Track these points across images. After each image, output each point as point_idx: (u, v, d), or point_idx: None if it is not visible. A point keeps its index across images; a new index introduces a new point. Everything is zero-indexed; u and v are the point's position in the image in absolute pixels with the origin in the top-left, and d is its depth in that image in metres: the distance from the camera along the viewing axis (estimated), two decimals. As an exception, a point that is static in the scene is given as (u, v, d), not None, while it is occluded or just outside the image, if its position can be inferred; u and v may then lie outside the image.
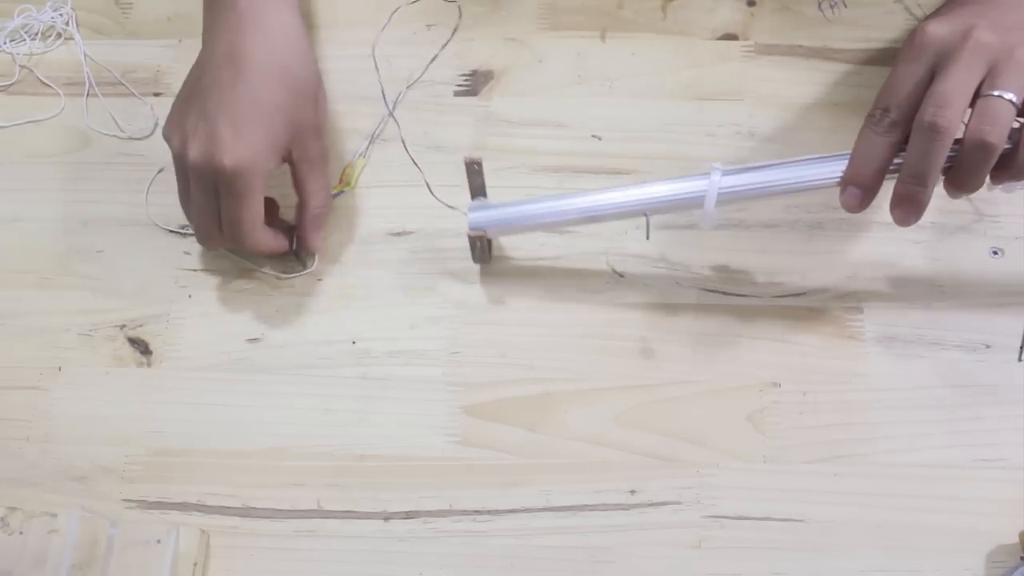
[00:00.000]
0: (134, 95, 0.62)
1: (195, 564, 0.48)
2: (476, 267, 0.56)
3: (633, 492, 0.51)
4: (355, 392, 0.53)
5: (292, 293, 0.56)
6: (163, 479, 0.52)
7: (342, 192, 0.58)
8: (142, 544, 0.47)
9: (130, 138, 0.61)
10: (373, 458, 0.52)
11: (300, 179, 0.54)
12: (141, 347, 0.55)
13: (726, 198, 0.49)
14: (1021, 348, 0.53)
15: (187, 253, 0.57)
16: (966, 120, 0.45)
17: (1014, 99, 0.44)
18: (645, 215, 0.50)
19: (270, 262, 0.56)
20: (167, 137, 0.52)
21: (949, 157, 0.45)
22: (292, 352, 0.54)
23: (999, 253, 0.55)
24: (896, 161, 0.47)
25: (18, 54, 0.63)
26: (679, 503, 0.50)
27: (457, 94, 0.61)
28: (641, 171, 0.58)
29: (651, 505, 0.50)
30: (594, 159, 0.59)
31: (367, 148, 0.59)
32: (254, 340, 0.55)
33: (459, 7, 0.63)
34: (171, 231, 0.58)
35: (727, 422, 0.52)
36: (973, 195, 0.49)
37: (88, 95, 0.62)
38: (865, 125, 0.47)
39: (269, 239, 0.53)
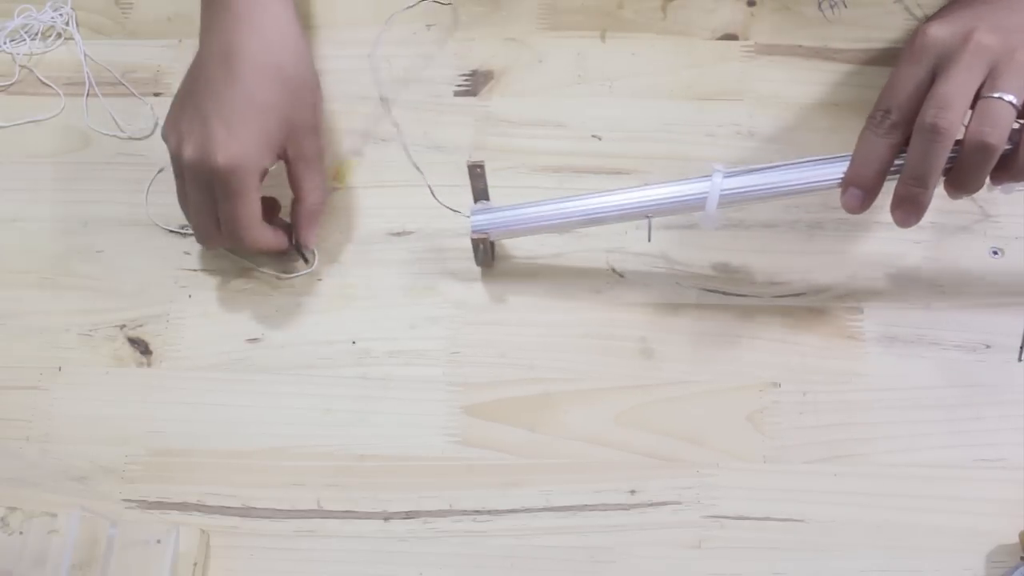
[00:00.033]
0: (134, 95, 0.62)
1: (195, 564, 0.48)
2: (476, 267, 0.56)
3: (633, 492, 0.51)
4: (355, 392, 0.53)
5: (292, 293, 0.56)
6: (163, 479, 0.52)
7: (335, 190, 0.58)
8: (142, 544, 0.47)
9: (130, 138, 0.61)
10: (373, 458, 0.52)
11: (296, 176, 0.54)
12: (141, 347, 0.55)
13: (727, 200, 0.49)
14: (1021, 348, 0.53)
15: (187, 253, 0.57)
16: (966, 121, 0.45)
17: (1014, 101, 0.44)
18: (647, 217, 0.50)
19: (271, 261, 0.56)
20: (165, 137, 0.52)
21: (949, 158, 0.45)
22: (292, 352, 0.54)
23: (999, 253, 0.55)
24: (897, 162, 0.47)
25: (18, 54, 0.63)
26: (679, 503, 0.50)
27: (457, 94, 0.61)
28: (641, 171, 0.58)
29: (651, 505, 0.50)
30: (594, 159, 0.59)
31: (359, 147, 0.59)
32: (254, 340, 0.55)
33: (455, 9, 0.63)
34: (171, 231, 0.58)
35: (727, 422, 0.52)
36: (974, 196, 0.49)
37: (88, 95, 0.62)
38: (866, 126, 0.47)
39: (268, 236, 0.53)
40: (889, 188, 0.48)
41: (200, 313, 0.56)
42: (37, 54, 0.64)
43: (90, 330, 0.55)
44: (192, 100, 0.51)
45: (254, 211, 0.51)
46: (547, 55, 0.62)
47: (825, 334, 0.54)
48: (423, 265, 0.56)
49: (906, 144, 0.46)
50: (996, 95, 0.44)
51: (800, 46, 0.62)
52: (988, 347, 0.53)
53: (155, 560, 0.47)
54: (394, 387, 0.53)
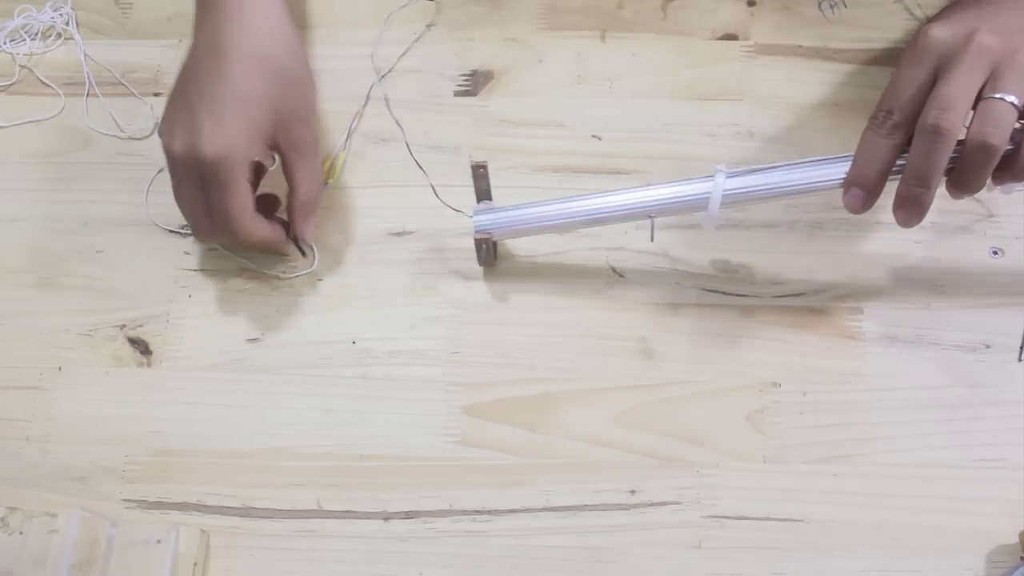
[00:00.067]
0: (134, 95, 0.62)
1: (195, 564, 0.48)
2: (476, 267, 0.56)
3: (633, 492, 0.51)
4: (355, 392, 0.53)
5: (292, 293, 0.56)
6: (163, 479, 0.52)
7: (326, 184, 0.58)
8: (142, 544, 0.47)
9: (130, 138, 0.61)
10: (373, 458, 0.52)
11: (288, 167, 0.53)
12: (141, 347, 0.55)
13: (730, 200, 0.49)
14: (1021, 348, 0.53)
15: (187, 253, 0.57)
16: (968, 122, 0.45)
17: (1016, 101, 0.44)
18: (650, 217, 0.50)
19: (271, 261, 0.56)
20: (160, 135, 0.52)
21: (951, 158, 0.45)
22: (292, 352, 0.54)
23: (999, 253, 0.55)
24: (899, 163, 0.47)
25: (18, 54, 0.63)
26: (679, 503, 0.50)
27: (457, 94, 0.61)
28: (641, 171, 0.58)
29: (651, 505, 0.50)
30: (594, 159, 0.59)
31: (346, 141, 0.59)
32: (254, 340, 0.55)
33: (455, 9, 0.63)
34: (171, 231, 0.58)
35: (727, 422, 0.52)
36: (976, 195, 0.49)
37: (88, 95, 0.62)
38: (868, 127, 0.48)
39: (262, 229, 0.53)
40: (890, 188, 0.48)
41: (200, 313, 0.56)
42: (37, 54, 0.64)
43: (90, 330, 0.55)
44: (183, 96, 0.51)
45: (244, 202, 0.51)
46: (547, 55, 0.62)
47: (825, 334, 0.54)
48: (423, 265, 0.56)
49: (908, 144, 0.46)
50: (998, 96, 0.44)
51: (800, 46, 0.62)
52: (988, 347, 0.53)
53: (155, 560, 0.47)
54: (394, 387, 0.53)
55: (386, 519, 0.51)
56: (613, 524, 0.50)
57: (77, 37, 0.64)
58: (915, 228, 0.49)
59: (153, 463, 0.52)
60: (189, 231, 0.57)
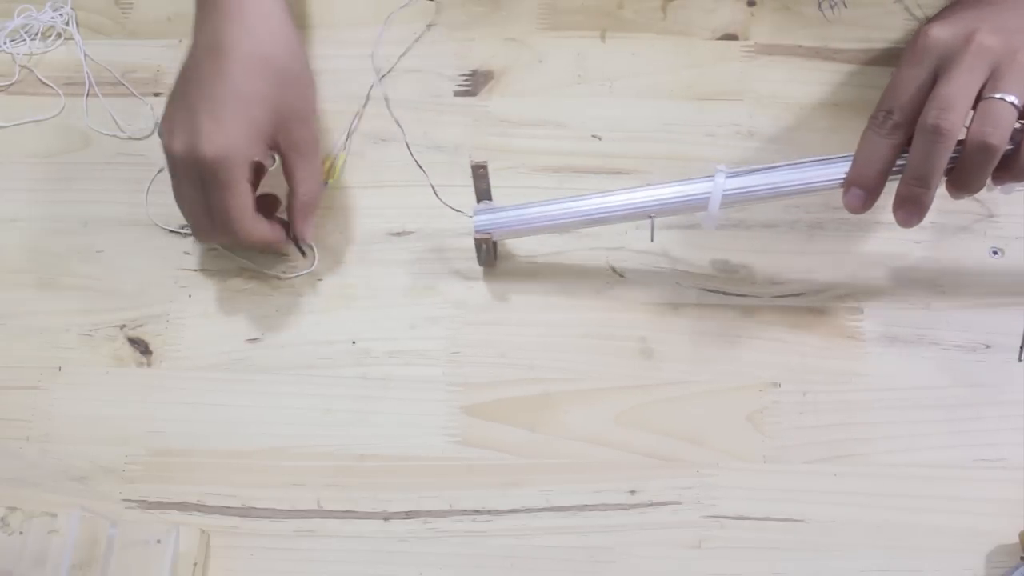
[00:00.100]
0: (134, 95, 0.62)
1: (195, 564, 0.48)
2: (476, 267, 0.56)
3: (633, 492, 0.51)
4: (355, 392, 0.53)
5: (292, 293, 0.56)
6: (163, 479, 0.52)
7: (327, 184, 0.58)
8: (142, 544, 0.47)
9: (130, 138, 0.61)
10: (373, 458, 0.52)
11: (288, 167, 0.53)
12: (141, 347, 0.55)
13: (730, 200, 0.49)
14: (1021, 348, 0.53)
15: (187, 253, 0.57)
16: (968, 122, 0.45)
17: (1016, 101, 0.44)
18: (650, 217, 0.50)
19: (271, 261, 0.56)
20: (159, 135, 0.52)
21: (951, 158, 0.45)
22: (292, 352, 0.54)
23: (999, 253, 0.55)
24: (899, 163, 0.47)
25: (18, 54, 0.63)
26: (679, 503, 0.50)
27: (457, 94, 0.61)
28: (641, 171, 0.58)
29: (651, 505, 0.50)
30: (594, 159, 0.59)
31: (346, 141, 0.59)
32: (254, 340, 0.55)
33: (454, 9, 0.63)
34: (171, 231, 0.58)
35: (727, 422, 0.52)
36: (975, 196, 0.49)
37: (88, 95, 0.62)
38: (868, 127, 0.48)
39: (262, 229, 0.53)
40: (889, 188, 0.48)
41: (200, 313, 0.56)
42: (37, 54, 0.64)
43: (90, 330, 0.55)
44: (183, 96, 0.51)
45: (244, 202, 0.51)
46: (547, 55, 0.62)
47: (825, 334, 0.54)
48: (423, 265, 0.56)
49: (908, 144, 0.46)
50: (998, 96, 0.44)
51: (800, 46, 0.62)
52: (988, 347, 0.53)
53: (155, 560, 0.47)
54: (394, 387, 0.53)
55: (386, 519, 0.51)
56: (613, 524, 0.50)
57: (77, 37, 0.64)
58: (915, 228, 0.49)
59: (153, 463, 0.52)
60: (189, 231, 0.57)
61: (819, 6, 0.63)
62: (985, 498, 0.50)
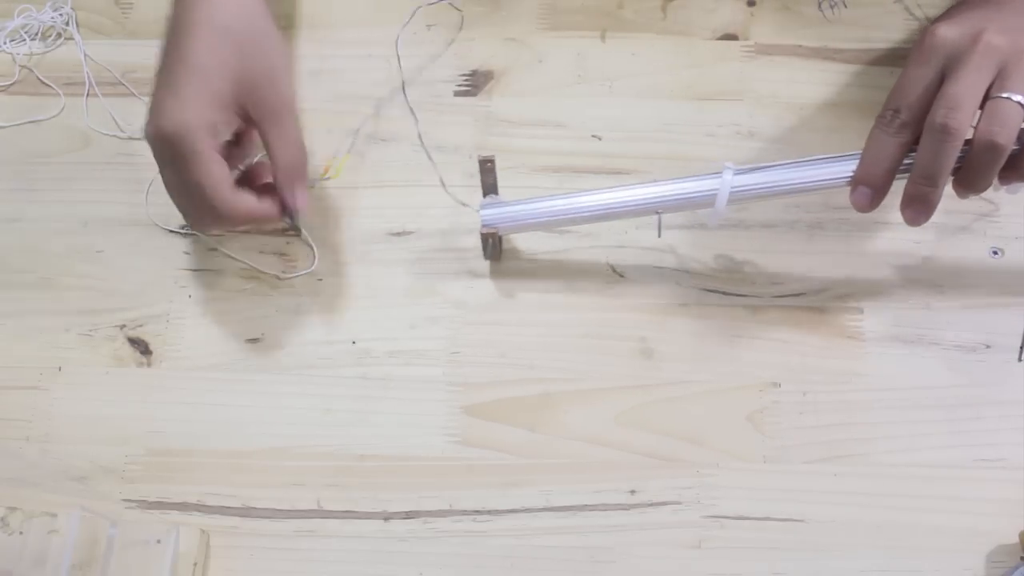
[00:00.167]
0: (134, 95, 0.62)
1: (195, 564, 0.48)
2: (476, 267, 0.56)
3: (633, 492, 0.51)
4: (355, 392, 0.53)
5: (292, 293, 0.56)
6: (163, 479, 0.52)
7: (327, 178, 0.58)
8: (142, 544, 0.47)
9: (130, 138, 0.61)
10: (373, 458, 0.52)
11: (262, 134, 0.51)
12: (141, 347, 0.55)
13: (737, 197, 0.49)
14: (1021, 348, 0.53)
15: (187, 253, 0.57)
16: (975, 122, 0.45)
17: (1023, 101, 0.44)
18: (657, 213, 0.50)
19: (271, 258, 0.56)
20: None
21: (958, 157, 0.45)
22: (292, 352, 0.54)
23: (999, 253, 0.55)
24: (906, 162, 0.47)
25: (18, 54, 0.63)
26: (679, 503, 0.50)
27: (457, 94, 0.61)
28: (641, 171, 0.58)
29: (651, 505, 0.50)
30: (594, 159, 0.59)
31: (352, 143, 0.59)
32: (254, 340, 0.55)
33: (462, 15, 0.63)
34: (171, 231, 0.58)
35: (727, 422, 0.52)
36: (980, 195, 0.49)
37: (88, 95, 0.62)
38: (876, 126, 0.48)
39: (247, 202, 0.50)
40: (893, 187, 0.48)
41: (200, 313, 0.56)
42: (37, 54, 0.64)
43: (90, 330, 0.55)
44: (154, 84, 0.50)
45: (215, 175, 0.48)
46: (547, 55, 0.62)
47: (825, 334, 0.54)
48: (423, 265, 0.56)
49: (915, 143, 0.47)
50: (1005, 95, 0.44)
51: (800, 46, 0.62)
52: (988, 347, 0.53)
53: (155, 560, 0.47)
54: (394, 387, 0.53)
55: (386, 519, 0.51)
56: (613, 524, 0.50)
57: (77, 37, 0.64)
58: (915, 228, 0.49)
59: (153, 463, 0.52)
60: (189, 231, 0.57)
61: (819, 6, 0.63)
62: (985, 498, 0.50)
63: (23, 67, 0.63)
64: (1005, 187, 0.48)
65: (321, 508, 0.51)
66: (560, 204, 0.51)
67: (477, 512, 0.50)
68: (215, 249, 0.57)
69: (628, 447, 0.51)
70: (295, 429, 0.52)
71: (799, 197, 0.51)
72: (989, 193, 0.51)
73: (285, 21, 0.63)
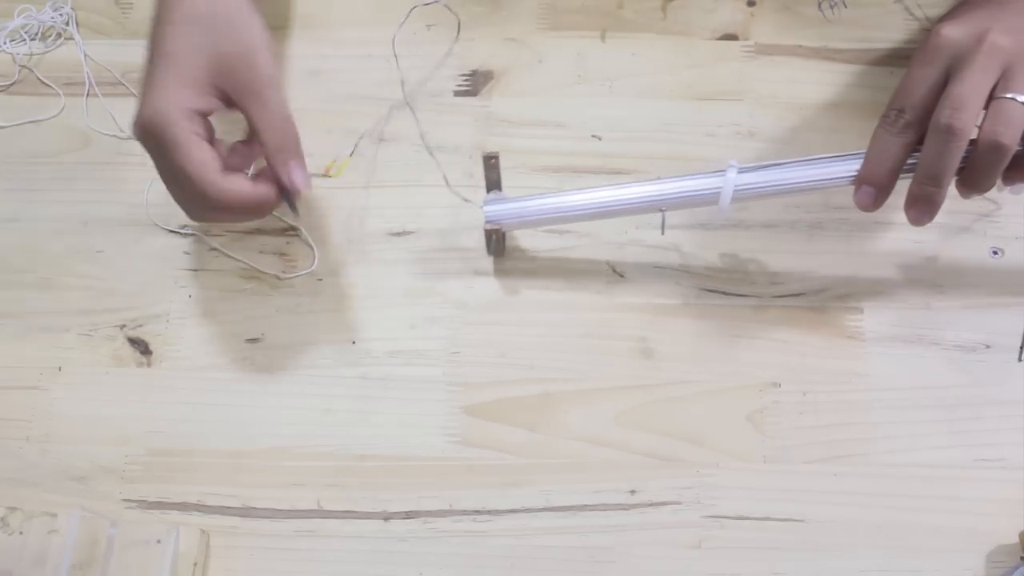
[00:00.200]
0: (134, 95, 0.62)
1: (195, 564, 0.48)
2: (476, 267, 0.56)
3: (633, 492, 0.51)
4: (355, 392, 0.53)
5: (292, 293, 0.56)
6: (163, 479, 0.52)
7: (327, 176, 0.57)
8: (142, 544, 0.47)
9: (130, 138, 0.60)
10: (373, 458, 0.52)
11: (247, 115, 0.49)
12: (141, 347, 0.55)
13: (741, 195, 0.49)
14: (1021, 348, 0.53)
15: (187, 253, 0.57)
16: (979, 122, 0.45)
17: None
18: (661, 211, 0.50)
19: (271, 258, 0.56)
20: None
21: (962, 158, 0.45)
22: (292, 352, 0.54)
23: (999, 253, 0.55)
24: (909, 162, 0.47)
25: (18, 54, 0.63)
26: (679, 503, 0.50)
27: (457, 94, 0.61)
28: (641, 171, 0.58)
29: (651, 505, 0.50)
30: (594, 159, 0.59)
31: (356, 144, 0.59)
32: (254, 340, 0.55)
33: (458, 19, 0.63)
34: (171, 231, 0.58)
35: (727, 422, 0.52)
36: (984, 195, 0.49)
37: (88, 95, 0.62)
38: (880, 125, 0.48)
39: (240, 185, 0.48)
40: (895, 187, 0.48)
41: (200, 313, 0.56)
42: (37, 54, 0.64)
43: (90, 330, 0.55)
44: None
45: (197, 157, 0.47)
46: (547, 55, 0.62)
47: (825, 334, 0.54)
48: (423, 265, 0.56)
49: (919, 143, 0.47)
50: (1009, 96, 0.44)
51: (800, 46, 0.62)
52: (988, 347, 0.53)
53: (155, 560, 0.47)
54: (394, 387, 0.53)
55: (386, 519, 0.51)
56: (613, 524, 0.50)
57: (77, 37, 0.64)
58: (915, 228, 0.49)
59: (153, 463, 0.52)
60: (189, 231, 0.57)
61: (819, 6, 0.63)
62: (985, 498, 0.50)
63: (23, 67, 0.63)
64: (1009, 187, 0.48)
65: (321, 508, 0.51)
66: (564, 200, 0.51)
67: (477, 512, 0.50)
68: (215, 249, 0.57)
69: (628, 447, 0.51)
70: (295, 429, 0.52)
71: (800, 197, 0.51)
72: (992, 193, 0.51)
73: (280, 20, 0.63)
